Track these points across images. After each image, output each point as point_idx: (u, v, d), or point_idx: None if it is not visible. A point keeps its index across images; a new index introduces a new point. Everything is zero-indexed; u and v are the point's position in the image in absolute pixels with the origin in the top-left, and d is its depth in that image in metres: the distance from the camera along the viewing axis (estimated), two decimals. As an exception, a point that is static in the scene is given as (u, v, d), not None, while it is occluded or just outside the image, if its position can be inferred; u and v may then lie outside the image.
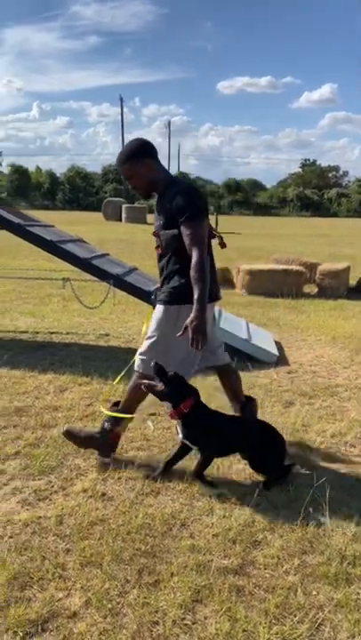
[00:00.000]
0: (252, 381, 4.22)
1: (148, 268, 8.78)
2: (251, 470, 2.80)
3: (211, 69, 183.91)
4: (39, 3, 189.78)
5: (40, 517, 2.35)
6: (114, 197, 43.52)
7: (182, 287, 2.67)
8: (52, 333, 5.71)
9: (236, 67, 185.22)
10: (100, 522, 2.33)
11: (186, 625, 1.78)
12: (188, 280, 2.59)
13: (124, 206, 35.00)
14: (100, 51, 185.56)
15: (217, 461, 2.85)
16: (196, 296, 2.52)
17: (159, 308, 2.79)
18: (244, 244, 18.15)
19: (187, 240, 2.61)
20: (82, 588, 1.94)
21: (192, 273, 2.55)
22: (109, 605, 1.85)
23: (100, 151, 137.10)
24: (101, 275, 4.85)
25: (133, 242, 17.85)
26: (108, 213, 35.13)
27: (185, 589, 1.93)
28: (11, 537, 2.20)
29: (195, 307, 2.52)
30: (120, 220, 33.38)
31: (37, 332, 5.72)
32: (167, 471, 2.72)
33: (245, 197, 63.41)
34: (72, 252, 4.86)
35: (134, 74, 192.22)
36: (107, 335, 5.72)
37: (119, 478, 2.71)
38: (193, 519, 2.37)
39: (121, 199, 40.41)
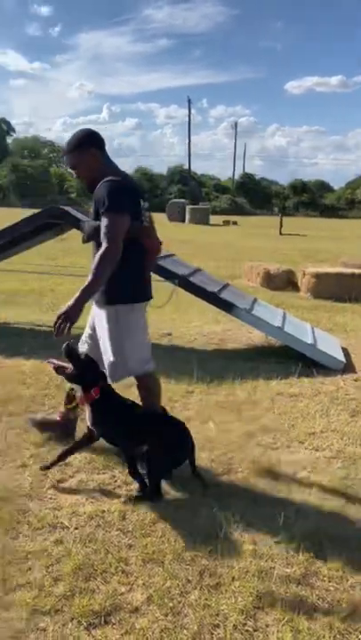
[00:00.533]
0: (318, 388, 4.12)
1: (211, 268, 8.78)
2: (313, 479, 2.74)
3: (280, 69, 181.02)
4: (112, 8, 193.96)
5: (104, 511, 2.39)
6: (178, 199, 43.82)
7: (115, 286, 2.61)
8: (116, 331, 5.81)
9: (306, 66, 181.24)
10: (161, 520, 2.34)
11: (247, 631, 1.76)
12: (121, 278, 2.55)
13: (187, 207, 35.19)
14: (170, 53, 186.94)
15: (281, 468, 2.81)
16: (83, 285, 2.46)
17: (97, 310, 2.77)
18: (309, 246, 17.79)
19: (101, 232, 2.54)
20: (143, 584, 1.96)
21: (93, 264, 2.50)
22: (170, 604, 1.86)
23: (167, 152, 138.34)
24: (167, 275, 4.88)
25: (196, 243, 17.91)
26: (172, 214, 35.42)
27: (246, 595, 1.90)
28: (76, 528, 2.26)
29: (76, 295, 2.44)
30: (183, 221, 33.58)
31: (102, 330, 5.84)
32: (62, 461, 2.65)
33: (312, 199, 62.01)
34: (139, 251, 4.93)
35: (203, 75, 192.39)
36: (169, 334, 5.76)
37: (180, 478, 2.71)
38: (255, 524, 2.33)
39: (185, 200, 40.64)
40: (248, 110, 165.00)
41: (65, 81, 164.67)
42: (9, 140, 69.67)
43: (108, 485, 2.63)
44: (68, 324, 2.40)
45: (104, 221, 2.53)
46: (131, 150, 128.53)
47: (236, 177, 65.81)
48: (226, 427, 3.36)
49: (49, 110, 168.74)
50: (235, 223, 34.10)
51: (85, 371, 2.55)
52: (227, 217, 38.16)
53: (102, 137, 2.80)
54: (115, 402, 2.63)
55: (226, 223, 33.85)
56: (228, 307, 4.87)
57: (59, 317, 2.42)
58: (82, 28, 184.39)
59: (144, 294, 2.78)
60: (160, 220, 33.95)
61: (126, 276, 2.61)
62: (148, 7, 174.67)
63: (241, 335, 5.78)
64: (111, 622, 1.78)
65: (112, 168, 2.76)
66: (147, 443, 2.54)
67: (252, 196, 61.06)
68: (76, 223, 4.99)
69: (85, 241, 2.77)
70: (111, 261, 2.48)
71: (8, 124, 70.71)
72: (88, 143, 2.73)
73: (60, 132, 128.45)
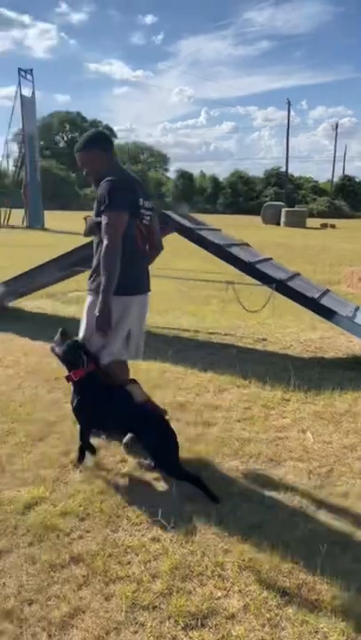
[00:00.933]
0: None
1: (308, 273, 8.56)
2: None
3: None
4: (214, 13, 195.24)
5: (200, 514, 2.40)
6: (274, 201, 43.19)
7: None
8: (211, 334, 5.85)
9: None
10: (257, 527, 2.31)
11: (348, 654, 1.69)
12: None
13: (283, 210, 34.57)
14: (271, 55, 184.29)
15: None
16: (101, 287, 2.67)
17: (87, 298, 2.95)
18: None
19: (102, 229, 2.73)
20: (240, 591, 1.94)
21: (101, 265, 2.69)
22: (268, 615, 1.83)
23: (264, 155, 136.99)
24: (265, 279, 4.83)
25: (292, 246, 17.54)
26: (267, 217, 34.98)
27: (347, 616, 1.82)
28: (173, 527, 2.29)
29: (99, 297, 2.67)
30: (278, 224, 33.03)
31: (198, 332, 5.91)
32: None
33: None
34: (237, 255, 4.93)
35: (303, 76, 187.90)
36: (264, 340, 5.69)
37: (277, 487, 2.67)
38: (356, 543, 2.23)
39: (281, 203, 39.96)
40: (350, 111, 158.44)
41: (166, 87, 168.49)
42: (111, 146, 72.62)
43: (204, 488, 2.63)
44: (106, 324, 2.70)
45: (104, 219, 2.73)
46: (227, 154, 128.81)
47: (336, 179, 63.58)
48: (324, 438, 3.26)
49: (150, 116, 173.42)
50: (333, 226, 32.99)
51: (69, 354, 2.78)
52: (324, 220, 37.02)
53: (109, 139, 3.03)
54: (94, 388, 2.77)
55: (323, 226, 32.85)
56: (328, 314, 4.71)
57: (97, 322, 2.69)
58: (183, 34, 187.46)
59: (132, 289, 2.88)
60: (255, 223, 33.56)
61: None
62: (250, 10, 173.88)
63: (340, 344, 5.56)
64: (207, 626, 1.78)
65: (117, 168, 2.95)
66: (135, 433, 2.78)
67: (352, 198, 58.69)
68: (178, 227, 5.08)
69: (86, 234, 2.99)
70: (113, 256, 2.69)
71: (111, 130, 73.82)
72: (93, 144, 2.93)
73: (159, 137, 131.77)
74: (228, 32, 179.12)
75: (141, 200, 2.89)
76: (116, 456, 2.92)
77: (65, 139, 71.70)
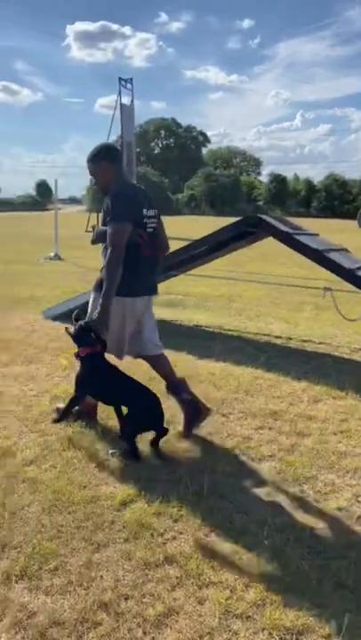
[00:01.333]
0: None
1: None
2: None
3: None
4: (314, 14, 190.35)
5: (293, 526, 2.35)
6: (372, 204, 41.28)
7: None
8: (304, 341, 5.70)
9: None
10: (354, 545, 2.22)
11: None
12: None
13: (382, 214, 32.95)
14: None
15: None
16: (102, 292, 2.88)
17: (91, 294, 3.16)
18: None
19: (107, 239, 2.94)
20: (336, 610, 1.87)
21: (103, 271, 2.94)
22: (366, 639, 1.75)
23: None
24: (365, 286, 4.63)
25: (392, 252, 16.66)
26: (364, 221, 33.51)
27: None
28: (266, 538, 2.25)
29: (100, 302, 2.88)
30: (376, 229, 31.54)
31: (290, 338, 5.79)
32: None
33: None
34: (336, 261, 4.77)
35: None
36: (361, 350, 5.45)
37: (376, 505, 2.54)
38: None
39: (380, 206, 38.12)
40: None
41: (261, 91, 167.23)
42: (204, 151, 73.48)
43: (298, 501, 2.57)
44: (103, 327, 2.94)
45: (109, 229, 2.94)
46: (322, 156, 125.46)
47: None
48: None
49: (244, 120, 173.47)
50: None
51: (79, 334, 3.10)
52: None
53: (116, 152, 3.24)
54: (97, 366, 3.09)
55: None
56: None
57: (95, 324, 2.95)
58: (281, 37, 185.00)
59: (132, 291, 3.03)
60: (351, 227, 32.38)
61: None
62: (352, 9, 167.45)
63: None
64: (302, 643, 1.74)
65: (122, 180, 3.16)
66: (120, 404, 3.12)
67: None
68: (273, 232, 5.01)
69: (93, 242, 3.21)
70: (116, 264, 2.89)
71: (204, 135, 74.63)
72: (100, 156, 3.13)
73: (252, 140, 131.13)
74: (326, 33, 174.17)
75: (145, 210, 3.07)
76: (207, 462, 2.93)
77: (160, 145, 73.44)
